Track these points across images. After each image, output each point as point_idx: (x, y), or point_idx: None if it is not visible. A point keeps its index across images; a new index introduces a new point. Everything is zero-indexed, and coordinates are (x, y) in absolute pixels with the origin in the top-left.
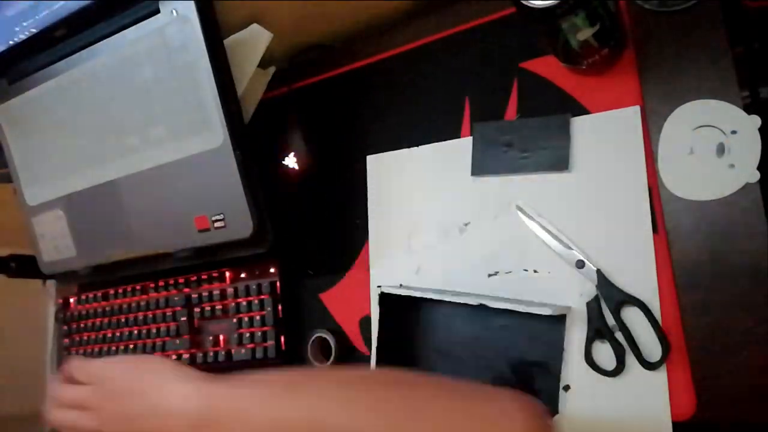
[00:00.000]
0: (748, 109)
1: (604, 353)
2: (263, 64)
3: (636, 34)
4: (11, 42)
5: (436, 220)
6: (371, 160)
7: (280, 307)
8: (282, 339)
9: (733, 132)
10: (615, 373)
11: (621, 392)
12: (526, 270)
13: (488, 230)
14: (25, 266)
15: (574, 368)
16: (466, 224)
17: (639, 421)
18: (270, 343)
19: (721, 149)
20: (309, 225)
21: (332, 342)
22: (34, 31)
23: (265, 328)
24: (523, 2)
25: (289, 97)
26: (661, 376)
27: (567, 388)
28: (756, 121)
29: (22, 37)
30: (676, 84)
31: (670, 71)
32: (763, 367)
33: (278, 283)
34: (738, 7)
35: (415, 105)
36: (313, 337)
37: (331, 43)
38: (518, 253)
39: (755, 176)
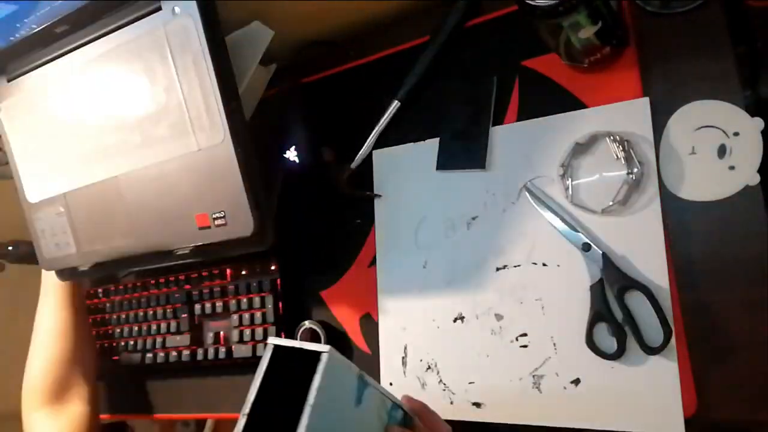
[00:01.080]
0: (750, 108)
1: (605, 337)
2: (264, 61)
3: (638, 35)
4: (12, 38)
5: (443, 214)
6: (377, 154)
7: (280, 305)
8: (283, 336)
9: (735, 134)
10: (616, 356)
11: (629, 377)
12: (534, 263)
13: (496, 224)
14: (26, 252)
15: (579, 356)
16: (473, 218)
17: (648, 404)
18: None
19: (722, 150)
20: (310, 222)
21: (321, 333)
22: (34, 27)
23: (265, 326)
24: (526, 0)
25: (291, 94)
26: (671, 364)
27: (577, 381)
28: (759, 123)
29: (23, 33)
30: (678, 84)
31: (673, 71)
32: (764, 367)
33: (279, 281)
34: (740, 7)
35: (418, 103)
36: (302, 328)
37: (333, 40)
38: (527, 246)
39: (756, 179)
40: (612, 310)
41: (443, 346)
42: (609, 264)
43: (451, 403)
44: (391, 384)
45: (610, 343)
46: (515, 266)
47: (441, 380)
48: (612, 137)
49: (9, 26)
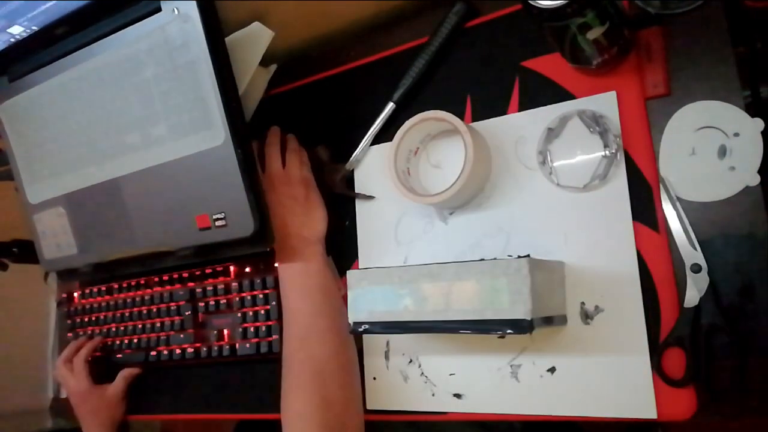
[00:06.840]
0: (749, 109)
1: None
2: (265, 62)
3: (638, 36)
4: (12, 39)
5: (422, 209)
6: (359, 152)
7: None
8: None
9: (736, 134)
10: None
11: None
12: (510, 256)
13: (473, 218)
14: (28, 252)
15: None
16: (451, 213)
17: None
18: (274, 337)
19: (722, 151)
20: None
21: None
22: (35, 28)
23: (269, 323)
24: (531, 2)
25: (291, 95)
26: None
27: (553, 369)
28: (759, 124)
29: (23, 34)
30: (678, 84)
31: (673, 71)
32: (764, 368)
33: None
34: (741, 7)
35: (417, 103)
36: None
37: (333, 40)
38: (503, 239)
39: (756, 179)
40: None
41: (424, 340)
42: None
43: (433, 395)
44: (375, 378)
45: None
46: (491, 259)
47: (423, 373)
48: (582, 115)
49: (10, 26)
